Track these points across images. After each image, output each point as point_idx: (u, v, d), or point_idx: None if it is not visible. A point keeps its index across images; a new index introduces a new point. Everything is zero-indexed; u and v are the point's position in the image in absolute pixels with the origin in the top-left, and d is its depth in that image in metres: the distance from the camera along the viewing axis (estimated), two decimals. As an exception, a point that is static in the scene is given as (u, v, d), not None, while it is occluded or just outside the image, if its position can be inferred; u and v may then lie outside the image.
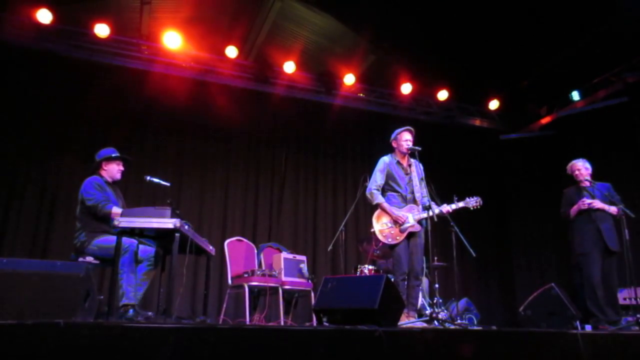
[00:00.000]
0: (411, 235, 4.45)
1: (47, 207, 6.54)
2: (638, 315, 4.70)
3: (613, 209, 5.14)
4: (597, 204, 5.19)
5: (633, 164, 7.19)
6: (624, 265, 4.92)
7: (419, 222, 4.48)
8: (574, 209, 5.28)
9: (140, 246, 4.04)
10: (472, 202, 4.68)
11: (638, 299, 4.85)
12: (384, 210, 4.53)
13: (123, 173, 4.52)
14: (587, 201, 5.21)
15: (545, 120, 8.51)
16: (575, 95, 7.97)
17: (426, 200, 4.52)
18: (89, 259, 4.00)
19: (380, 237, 4.49)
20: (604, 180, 5.43)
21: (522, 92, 8.48)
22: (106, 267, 4.18)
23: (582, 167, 5.38)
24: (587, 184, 5.33)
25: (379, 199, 4.57)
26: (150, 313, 3.97)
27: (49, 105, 6.75)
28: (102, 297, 3.92)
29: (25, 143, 6.60)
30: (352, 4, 6.79)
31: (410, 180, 4.63)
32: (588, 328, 4.89)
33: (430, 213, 4.32)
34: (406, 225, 4.41)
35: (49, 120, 6.76)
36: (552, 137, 8.58)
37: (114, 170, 4.42)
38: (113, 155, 4.43)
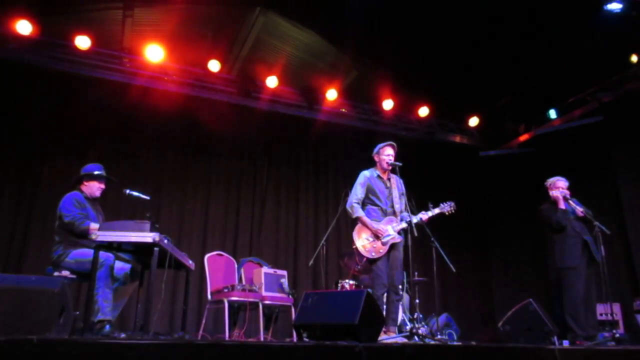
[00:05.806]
0: (392, 247, 4.47)
1: (23, 221, 6.39)
2: (614, 331, 4.77)
3: (580, 209, 5.24)
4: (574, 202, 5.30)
5: (608, 181, 7.36)
6: (600, 281, 4.99)
7: (399, 232, 4.50)
8: (560, 204, 5.33)
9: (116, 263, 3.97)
10: (447, 207, 4.81)
11: (614, 315, 4.92)
12: (364, 224, 4.54)
13: (103, 191, 4.48)
14: (564, 192, 5.31)
15: (524, 137, 8.68)
16: (552, 114, 8.15)
17: (405, 215, 4.55)
18: (65, 273, 3.94)
19: (362, 251, 4.48)
20: (577, 197, 5.55)
21: (501, 110, 8.65)
22: (82, 282, 4.10)
23: (564, 186, 5.46)
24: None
25: (358, 212, 4.59)
26: (122, 334, 3.89)
27: (28, 117, 6.64)
28: (77, 312, 3.83)
29: (1, 155, 6.47)
30: (334, 20, 6.87)
31: (391, 194, 4.67)
32: (565, 343, 4.93)
33: (409, 224, 4.35)
34: (387, 237, 4.43)
35: (27, 132, 6.64)
36: (531, 154, 8.74)
37: (94, 187, 4.39)
38: (95, 173, 4.39)
